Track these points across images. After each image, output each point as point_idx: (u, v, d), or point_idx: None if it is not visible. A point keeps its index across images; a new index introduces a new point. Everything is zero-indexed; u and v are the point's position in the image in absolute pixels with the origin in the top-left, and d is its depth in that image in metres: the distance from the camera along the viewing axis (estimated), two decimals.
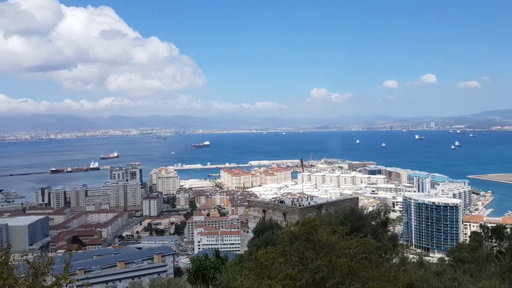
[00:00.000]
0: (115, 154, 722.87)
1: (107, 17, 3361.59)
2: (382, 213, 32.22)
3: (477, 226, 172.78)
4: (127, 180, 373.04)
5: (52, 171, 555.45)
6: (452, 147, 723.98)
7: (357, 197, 55.79)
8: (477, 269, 30.32)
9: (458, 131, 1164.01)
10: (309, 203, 50.26)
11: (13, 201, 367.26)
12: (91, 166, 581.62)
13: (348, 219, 26.17)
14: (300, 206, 46.67)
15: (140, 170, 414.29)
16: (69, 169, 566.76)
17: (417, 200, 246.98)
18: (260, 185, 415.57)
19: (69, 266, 17.52)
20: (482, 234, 39.70)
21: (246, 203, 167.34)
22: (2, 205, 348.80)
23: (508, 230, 39.48)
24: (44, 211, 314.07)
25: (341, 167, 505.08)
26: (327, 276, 19.27)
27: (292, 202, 51.41)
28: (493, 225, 48.15)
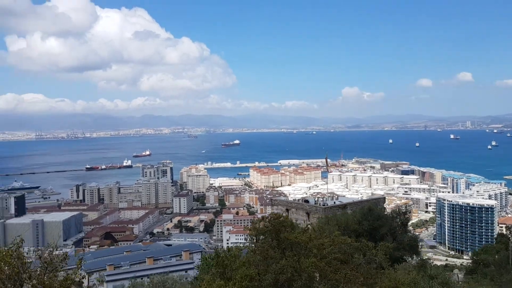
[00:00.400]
0: (147, 153, 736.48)
1: (140, 18, 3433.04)
2: (402, 213, 30.67)
3: (505, 228, 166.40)
4: (158, 178, 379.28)
5: (87, 168, 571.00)
6: (489, 147, 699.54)
7: (384, 197, 54.15)
8: (498, 272, 28.60)
9: (495, 131, 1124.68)
10: (334, 202, 49.07)
11: (49, 197, 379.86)
12: (124, 164, 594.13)
13: (366, 219, 24.80)
14: (324, 205, 45.53)
15: (171, 168, 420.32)
16: (103, 166, 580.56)
17: (451, 201, 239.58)
18: (289, 185, 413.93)
19: (82, 262, 17.37)
20: (509, 236, 37.63)
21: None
22: (39, 201, 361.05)
23: None
24: (79, 207, 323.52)
25: (373, 167, 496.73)
26: (292, 278, 17.98)
27: (316, 201, 50.34)
28: None
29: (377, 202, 48.01)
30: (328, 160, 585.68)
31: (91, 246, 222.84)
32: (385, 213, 31.21)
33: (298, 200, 57.32)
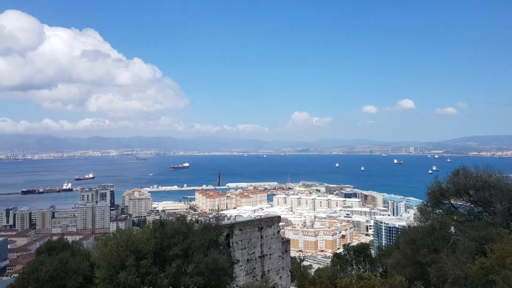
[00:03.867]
0: (91, 175, 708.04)
1: (91, 38, 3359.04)
2: (212, 228, 27.84)
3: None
4: (96, 202, 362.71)
5: (23, 191, 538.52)
6: (430, 171, 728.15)
7: (279, 216, 52.07)
8: None
9: (436, 156, 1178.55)
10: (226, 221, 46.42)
11: None
12: (64, 187, 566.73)
13: (153, 236, 21.48)
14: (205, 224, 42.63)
15: (112, 192, 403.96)
16: (41, 190, 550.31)
17: (388, 223, 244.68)
18: (234, 208, 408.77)
19: None
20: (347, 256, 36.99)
21: None
22: None
23: None
24: (7, 233, 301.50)
25: (319, 190, 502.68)
26: None
27: (205, 220, 47.35)
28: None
29: (270, 221, 46.10)
30: (275, 183, 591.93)
31: (14, 275, 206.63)
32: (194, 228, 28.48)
33: (196, 219, 54.09)
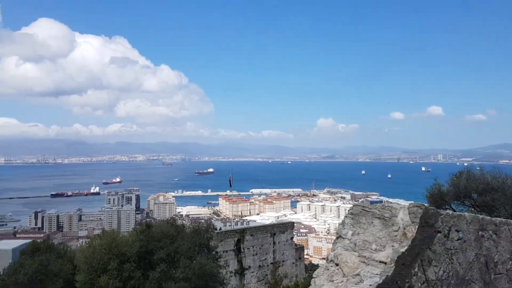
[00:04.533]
0: (118, 180, 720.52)
1: (120, 45, 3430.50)
2: (203, 231, 26.53)
3: None
4: (122, 206, 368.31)
5: (52, 195, 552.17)
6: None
7: (292, 222, 50.65)
8: None
9: (465, 164, 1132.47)
10: (232, 226, 45.50)
11: (6, 224, 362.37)
12: (92, 190, 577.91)
13: (139, 239, 20.36)
14: (217, 230, 41.90)
15: (137, 196, 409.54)
16: (70, 193, 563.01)
17: None
18: (258, 214, 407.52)
19: None
20: None
21: None
22: None
23: None
24: (35, 235, 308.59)
25: (344, 198, 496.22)
26: None
27: (219, 226, 46.70)
28: None
29: (284, 227, 44.79)
30: (299, 189, 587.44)
31: None
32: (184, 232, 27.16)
33: None
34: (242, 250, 41.10)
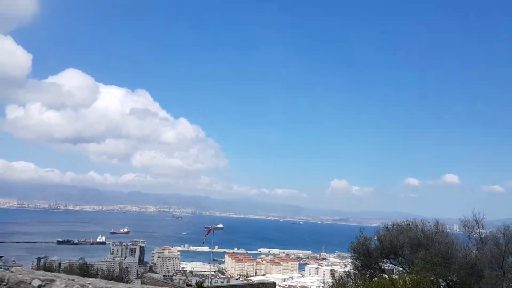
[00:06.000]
0: (126, 230, 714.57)
1: (142, 97, 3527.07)
2: None
3: None
4: (125, 257, 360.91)
5: (58, 241, 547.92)
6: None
7: (274, 282, 47.82)
8: None
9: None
10: (210, 284, 42.66)
11: (8, 268, 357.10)
12: (98, 240, 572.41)
13: None
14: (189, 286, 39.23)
15: (142, 248, 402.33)
16: (75, 241, 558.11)
17: None
18: (264, 275, 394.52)
19: None
20: None
21: None
22: None
23: None
24: None
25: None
26: None
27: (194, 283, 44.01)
28: None
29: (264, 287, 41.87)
30: (309, 252, 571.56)
31: None
32: None
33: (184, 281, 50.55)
34: None
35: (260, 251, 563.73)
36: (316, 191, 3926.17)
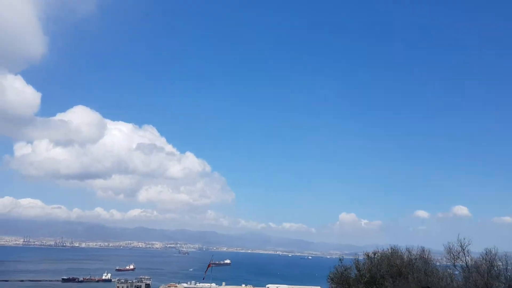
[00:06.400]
0: (131, 267, 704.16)
1: (148, 132, 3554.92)
2: None
3: None
4: None
5: (63, 279, 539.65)
6: None
7: None
8: None
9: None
10: None
11: None
12: (104, 277, 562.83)
13: None
14: None
15: (148, 285, 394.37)
16: (81, 279, 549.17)
17: None
18: None
19: None
20: None
21: None
22: None
23: None
24: None
25: None
26: None
27: None
28: None
29: None
30: (319, 287, 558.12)
31: None
32: None
33: None
34: None
35: (268, 287, 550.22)
36: (325, 225, 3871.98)
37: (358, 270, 21.10)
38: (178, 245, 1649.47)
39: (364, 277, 20.30)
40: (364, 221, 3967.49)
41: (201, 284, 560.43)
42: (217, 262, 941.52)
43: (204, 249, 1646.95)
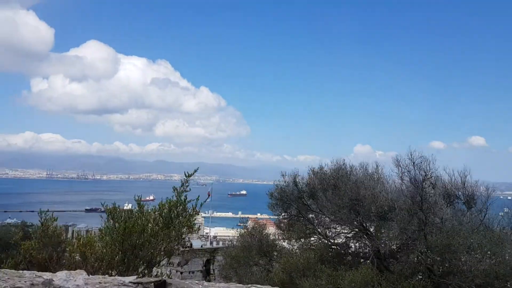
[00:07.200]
0: (151, 197, 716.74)
1: (162, 67, 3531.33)
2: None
3: None
4: None
5: (86, 209, 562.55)
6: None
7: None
8: None
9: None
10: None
11: None
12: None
13: None
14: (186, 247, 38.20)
15: None
16: (102, 209, 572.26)
17: None
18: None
19: None
20: None
21: None
22: None
23: None
24: None
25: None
26: None
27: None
28: None
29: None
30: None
31: None
32: None
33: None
34: (211, 272, 37.36)
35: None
36: (339, 157, 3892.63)
37: (296, 185, 19.74)
38: (196, 177, 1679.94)
39: (302, 192, 18.97)
40: (379, 153, 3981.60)
41: (218, 213, 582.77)
42: (233, 193, 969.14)
43: (221, 181, 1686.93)
